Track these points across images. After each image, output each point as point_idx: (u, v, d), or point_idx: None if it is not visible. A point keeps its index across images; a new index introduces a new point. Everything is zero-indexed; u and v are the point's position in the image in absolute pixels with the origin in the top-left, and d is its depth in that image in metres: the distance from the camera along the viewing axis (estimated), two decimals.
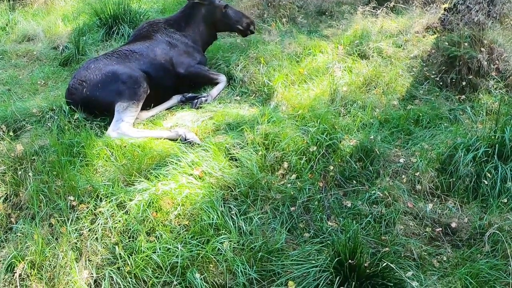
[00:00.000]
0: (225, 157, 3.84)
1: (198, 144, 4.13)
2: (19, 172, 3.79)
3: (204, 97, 4.95)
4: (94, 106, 4.58)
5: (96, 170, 3.93)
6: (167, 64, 5.03)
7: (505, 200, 3.51)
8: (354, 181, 3.75)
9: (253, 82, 5.08)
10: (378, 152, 3.85)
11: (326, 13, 7.41)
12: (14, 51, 7.03)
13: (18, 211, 3.60)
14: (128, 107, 4.54)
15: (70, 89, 4.71)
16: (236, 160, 3.86)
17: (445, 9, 5.76)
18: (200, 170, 3.66)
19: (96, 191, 3.57)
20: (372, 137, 3.93)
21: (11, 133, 4.40)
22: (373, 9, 6.52)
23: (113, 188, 3.57)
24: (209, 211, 3.30)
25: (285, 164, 3.80)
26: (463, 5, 5.48)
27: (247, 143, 3.95)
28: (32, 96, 5.75)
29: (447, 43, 5.11)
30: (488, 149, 3.75)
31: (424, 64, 5.20)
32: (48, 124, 4.56)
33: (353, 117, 4.42)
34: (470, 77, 4.89)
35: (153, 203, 3.42)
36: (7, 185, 3.72)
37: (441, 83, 4.96)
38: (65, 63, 6.49)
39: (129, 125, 4.46)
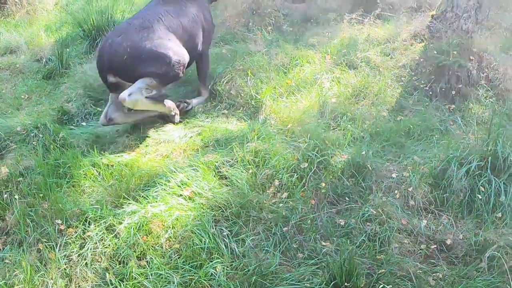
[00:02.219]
0: (214, 176, 3.76)
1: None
2: (5, 196, 3.69)
3: (187, 103, 4.90)
4: (129, 73, 4.42)
5: (83, 191, 3.84)
6: (197, 47, 4.96)
7: (500, 215, 3.49)
8: (347, 198, 3.70)
9: (240, 95, 5.01)
10: (370, 168, 3.80)
11: (312, 21, 7.36)
12: None
13: (5, 237, 3.50)
14: (155, 84, 4.47)
15: (113, 45, 4.43)
16: (226, 178, 3.79)
17: (432, 17, 5.74)
18: (189, 191, 3.58)
19: (84, 214, 3.49)
20: (364, 152, 3.89)
21: None
22: (360, 17, 6.48)
23: (101, 211, 3.48)
24: (200, 234, 3.23)
25: (276, 182, 3.74)
26: (451, 12, 5.45)
27: (237, 161, 3.88)
28: (16, 111, 5.62)
29: (435, 52, 5.09)
30: (480, 162, 3.72)
31: (412, 74, 5.17)
32: (33, 143, 4.45)
33: (343, 130, 4.37)
34: (460, 86, 4.87)
35: (143, 226, 3.34)
36: None
37: (430, 93, 4.94)
38: (49, 76, 6.35)
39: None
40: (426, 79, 5.02)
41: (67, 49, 6.63)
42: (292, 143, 4.05)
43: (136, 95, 4.32)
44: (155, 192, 3.59)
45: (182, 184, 3.64)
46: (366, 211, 3.53)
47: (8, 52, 7.32)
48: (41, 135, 4.52)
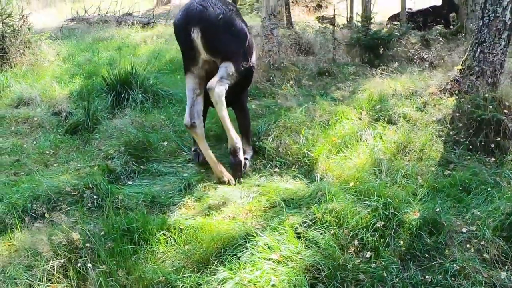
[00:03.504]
0: (298, 238, 3.75)
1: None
2: (79, 264, 3.57)
3: (246, 159, 4.90)
4: (216, 35, 4.36)
5: (157, 256, 3.74)
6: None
7: None
8: (426, 255, 3.75)
9: (289, 153, 5.06)
10: (445, 224, 3.89)
11: (326, 74, 7.57)
12: (13, 116, 6.72)
13: None
14: (233, 75, 4.47)
15: (206, 3, 4.38)
16: (308, 240, 3.76)
17: (459, 71, 6.00)
18: (278, 254, 3.55)
19: (170, 282, 3.39)
20: (438, 209, 3.98)
21: (46, 216, 4.22)
22: (383, 70, 6.71)
23: (190, 279, 3.40)
24: None
25: (356, 242, 3.76)
26: (477, 67, 5.74)
27: (315, 222, 3.88)
28: (44, 168, 5.47)
29: (469, 106, 5.31)
30: None
31: (449, 128, 5.35)
32: (88, 204, 4.34)
33: (402, 187, 4.46)
34: (498, 139, 5.07)
35: None
36: (69, 279, 3.48)
37: (470, 147, 5.12)
38: (74, 131, 6.23)
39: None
40: (464, 133, 5.20)
41: (93, 103, 6.52)
42: (365, 202, 4.08)
43: (222, 86, 4.38)
44: (243, 256, 3.53)
45: (268, 247, 3.60)
46: (450, 266, 3.58)
47: (22, 104, 7.20)
48: (95, 196, 4.42)
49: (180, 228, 3.95)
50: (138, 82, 6.57)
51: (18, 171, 5.43)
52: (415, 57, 7.56)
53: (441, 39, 8.93)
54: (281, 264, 3.51)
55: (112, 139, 5.69)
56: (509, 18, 5.60)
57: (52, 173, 5.16)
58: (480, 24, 5.73)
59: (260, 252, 3.57)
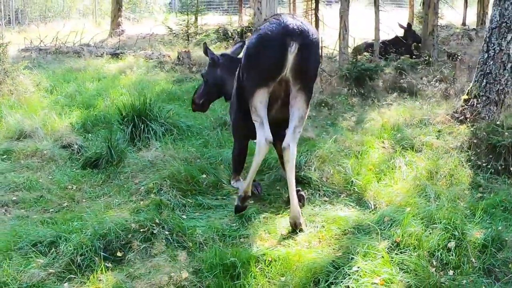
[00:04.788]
0: (391, 263, 3.95)
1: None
2: None
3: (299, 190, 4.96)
4: (309, 51, 4.23)
5: None
6: None
7: None
8: (497, 269, 4.08)
9: (334, 182, 5.29)
10: (508, 240, 4.26)
11: (323, 105, 7.92)
12: (20, 150, 6.46)
13: None
14: (304, 116, 4.45)
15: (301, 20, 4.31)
16: (396, 263, 3.98)
17: (464, 100, 6.57)
18: (379, 278, 3.74)
19: None
20: (500, 227, 4.36)
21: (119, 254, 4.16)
22: (380, 101, 7.15)
23: None
24: None
25: (434, 261, 4.04)
26: (484, 96, 6.34)
27: (396, 246, 4.12)
28: (74, 203, 5.32)
29: (485, 133, 5.83)
30: None
31: (470, 154, 5.82)
32: (163, 241, 4.29)
33: (451, 209, 4.80)
34: None
35: None
36: None
37: (492, 171, 5.61)
38: (94, 165, 6.08)
39: None
40: (485, 159, 5.69)
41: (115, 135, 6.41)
42: (433, 225, 4.36)
43: (295, 144, 4.38)
44: (350, 283, 3.68)
45: (372, 271, 3.78)
46: None
47: (23, 136, 6.91)
48: (167, 232, 4.38)
49: (269, 260, 4.03)
50: (154, 114, 6.53)
51: (47, 207, 5.26)
52: (406, 87, 8.10)
53: (415, 68, 9.62)
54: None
55: (146, 172, 5.64)
56: None
57: (93, 209, 5.02)
58: (486, 56, 6.35)
59: (362, 278, 3.75)
